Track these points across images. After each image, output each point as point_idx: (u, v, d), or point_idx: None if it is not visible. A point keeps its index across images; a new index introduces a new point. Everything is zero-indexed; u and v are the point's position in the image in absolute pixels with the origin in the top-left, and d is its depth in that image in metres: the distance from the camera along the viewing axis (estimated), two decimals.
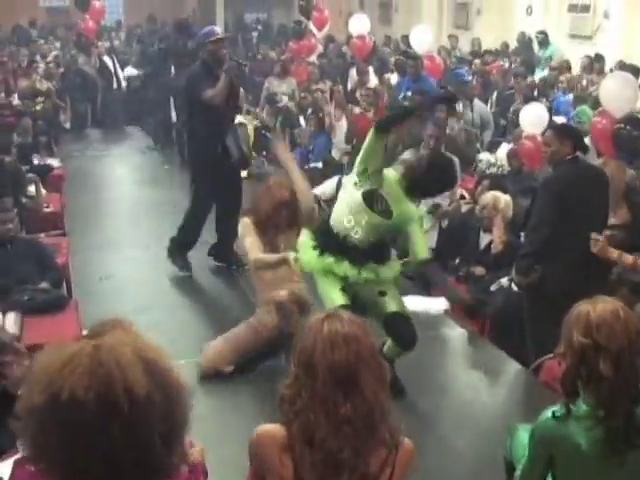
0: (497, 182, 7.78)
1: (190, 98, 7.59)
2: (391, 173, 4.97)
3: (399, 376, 4.93)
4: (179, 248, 7.56)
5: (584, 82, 11.60)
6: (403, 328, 4.93)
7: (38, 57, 15.66)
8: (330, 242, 4.90)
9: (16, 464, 1.77)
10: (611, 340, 2.74)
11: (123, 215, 9.83)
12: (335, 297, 4.78)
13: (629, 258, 5.25)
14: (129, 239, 8.82)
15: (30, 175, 8.94)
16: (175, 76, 12.31)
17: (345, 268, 4.82)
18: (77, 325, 5.73)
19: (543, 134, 7.99)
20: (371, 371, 2.45)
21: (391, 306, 4.92)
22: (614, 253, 5.23)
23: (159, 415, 1.56)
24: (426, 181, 4.88)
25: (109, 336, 1.64)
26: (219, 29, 7.70)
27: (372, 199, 4.80)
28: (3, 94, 12.76)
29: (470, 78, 11.54)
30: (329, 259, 4.85)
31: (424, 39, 11.51)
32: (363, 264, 4.85)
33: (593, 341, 2.75)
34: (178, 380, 1.64)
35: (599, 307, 2.81)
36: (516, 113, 10.32)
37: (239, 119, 7.84)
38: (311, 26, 14.21)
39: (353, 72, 13.38)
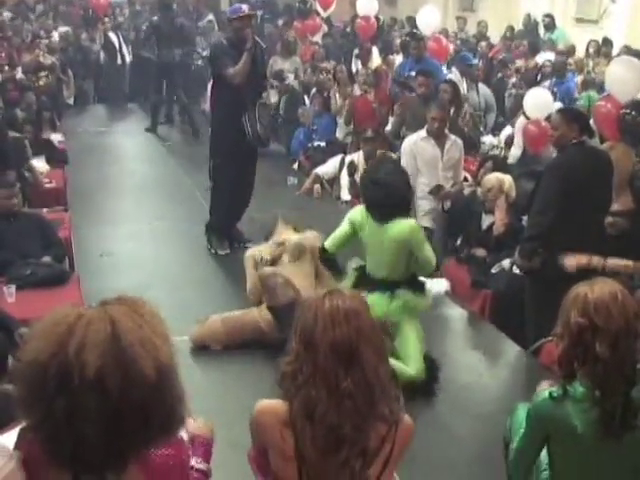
0: (500, 164, 7.78)
1: (213, 73, 7.73)
2: (359, 215, 5.13)
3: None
4: (212, 228, 7.62)
5: (590, 65, 11.56)
6: None
7: (42, 32, 15.58)
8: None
9: (21, 433, 1.78)
10: (608, 321, 2.76)
11: (125, 192, 9.82)
12: None
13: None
14: (131, 215, 8.82)
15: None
16: (159, 55, 12.66)
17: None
18: (79, 300, 5.74)
19: (547, 118, 8.01)
20: (371, 346, 2.47)
21: None
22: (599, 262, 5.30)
23: (110, 398, 1.57)
24: (378, 200, 4.96)
25: (102, 308, 1.66)
26: (245, 6, 7.58)
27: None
28: (7, 68, 12.71)
29: (476, 61, 11.56)
30: None
31: (431, 20, 11.44)
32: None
33: (590, 322, 2.77)
34: (155, 370, 1.63)
35: (597, 288, 2.83)
36: (512, 97, 10.35)
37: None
38: (317, 5, 14.14)
39: (356, 52, 13.36)
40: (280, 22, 16.78)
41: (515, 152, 9.17)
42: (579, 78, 11.12)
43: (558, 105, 8.91)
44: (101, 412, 1.57)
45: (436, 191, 7.13)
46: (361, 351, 2.44)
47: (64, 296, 5.78)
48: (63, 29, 16.25)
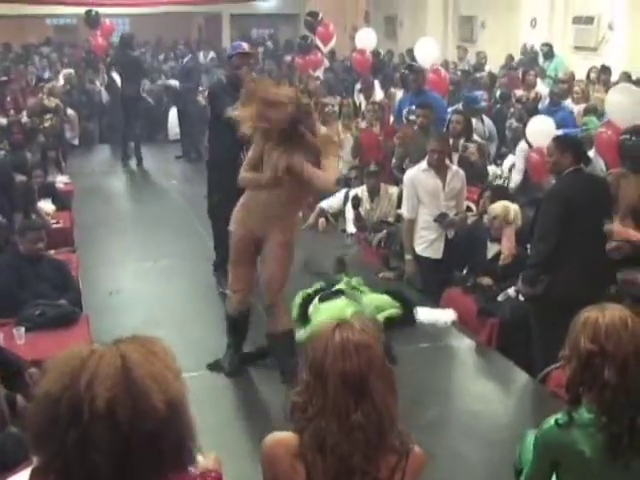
0: (499, 192, 7.82)
1: (211, 111, 7.66)
2: None
3: (409, 386, 4.97)
4: (219, 267, 7.42)
5: (591, 92, 11.64)
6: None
7: (47, 74, 15.78)
8: None
9: (33, 474, 1.80)
10: (618, 347, 2.77)
11: (131, 230, 9.89)
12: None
13: None
14: (137, 254, 8.87)
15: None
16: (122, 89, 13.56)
17: None
18: (88, 339, 5.77)
19: None
20: (381, 378, 2.48)
21: None
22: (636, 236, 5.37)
23: (120, 431, 1.58)
24: None
25: (113, 345, 1.69)
26: (245, 44, 7.60)
27: None
28: (12, 112, 12.86)
29: (484, 104, 11.62)
30: None
31: (429, 52, 11.54)
32: None
33: (600, 347, 2.78)
34: (165, 404, 1.64)
35: (608, 314, 2.83)
36: (512, 130, 10.41)
37: None
38: (317, 41, 14.29)
39: (358, 87, 13.47)
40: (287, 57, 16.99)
41: (516, 177, 9.22)
42: (581, 106, 11.17)
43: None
44: (112, 444, 1.60)
45: (441, 219, 7.15)
46: (371, 383, 2.45)
47: (73, 336, 5.81)
48: (67, 71, 16.46)
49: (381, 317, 6.25)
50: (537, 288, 5.50)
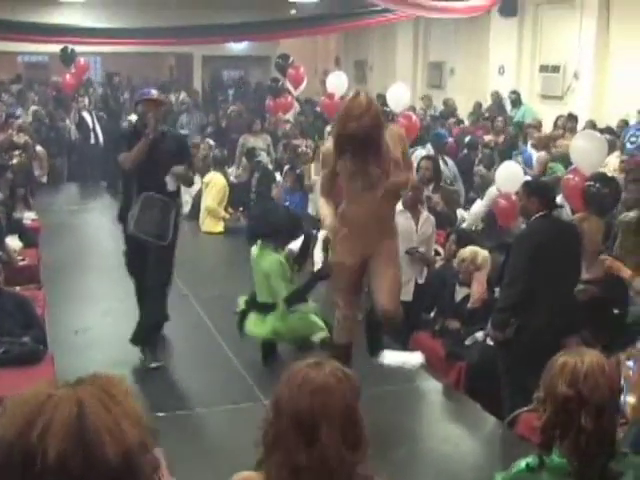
0: (464, 236, 7.88)
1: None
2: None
3: (376, 428, 4.95)
4: (145, 336, 6.79)
5: (558, 141, 11.82)
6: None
7: (19, 111, 15.75)
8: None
9: None
10: (595, 393, 2.76)
11: (98, 269, 9.80)
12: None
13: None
14: (105, 292, 8.80)
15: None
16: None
17: None
18: (53, 379, 5.69)
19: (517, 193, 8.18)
20: (337, 429, 2.38)
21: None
22: (626, 272, 5.42)
23: None
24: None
25: (72, 388, 1.63)
26: (155, 91, 7.15)
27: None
28: None
29: (450, 139, 11.84)
30: None
31: (401, 97, 11.68)
32: None
33: (577, 392, 2.77)
34: (122, 454, 1.56)
35: (587, 359, 2.82)
36: (480, 175, 10.54)
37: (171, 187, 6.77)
38: (287, 84, 14.41)
39: (328, 129, 13.55)
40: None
41: (474, 209, 9.31)
42: (540, 153, 11.35)
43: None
44: None
45: (412, 251, 7.15)
46: (323, 430, 2.36)
47: (38, 374, 5.73)
48: (34, 107, 16.44)
49: (316, 338, 6.40)
50: (507, 332, 5.53)
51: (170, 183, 6.64)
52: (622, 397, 4.75)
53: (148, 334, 6.71)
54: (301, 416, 2.38)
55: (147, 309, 6.78)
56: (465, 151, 12.33)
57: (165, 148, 6.54)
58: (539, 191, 5.94)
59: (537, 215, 5.67)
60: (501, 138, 12.68)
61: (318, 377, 2.44)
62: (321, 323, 6.48)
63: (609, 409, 2.80)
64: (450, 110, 16.27)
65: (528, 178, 8.62)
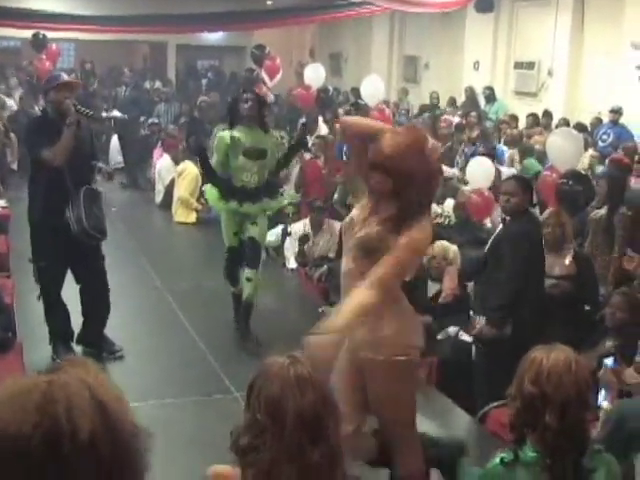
0: (438, 232, 7.88)
1: (30, 157, 6.57)
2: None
3: None
4: (55, 338, 6.44)
5: (531, 139, 11.89)
6: (252, 250, 6.70)
7: None
8: (231, 191, 6.63)
9: None
10: (558, 391, 2.77)
11: None
12: (229, 237, 6.82)
13: None
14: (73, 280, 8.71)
15: None
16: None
17: (235, 205, 6.62)
18: (21, 367, 5.65)
19: (491, 188, 8.20)
20: (334, 416, 2.45)
21: (251, 232, 6.67)
22: None
23: (104, 461, 1.52)
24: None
25: (65, 373, 1.63)
26: (64, 74, 6.55)
27: (251, 153, 6.54)
28: None
29: None
30: (230, 203, 6.62)
31: (375, 90, 11.67)
32: (254, 201, 6.64)
33: (541, 390, 2.79)
34: (133, 425, 1.60)
35: (553, 356, 2.83)
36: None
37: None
38: (263, 74, 14.34)
39: (302, 121, 13.51)
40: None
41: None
42: (513, 150, 11.42)
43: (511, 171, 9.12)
44: (96, 471, 1.56)
45: None
46: (326, 420, 2.41)
47: (6, 364, 5.67)
48: (19, 93, 16.25)
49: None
50: (505, 330, 5.55)
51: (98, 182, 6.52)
52: (599, 397, 4.81)
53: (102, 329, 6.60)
54: (307, 413, 2.39)
55: (102, 307, 6.58)
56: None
57: (82, 135, 6.15)
58: (531, 186, 6.01)
59: (524, 210, 5.73)
60: (474, 133, 12.70)
61: (308, 372, 2.46)
62: None
63: (575, 407, 2.79)
64: (434, 103, 16.33)
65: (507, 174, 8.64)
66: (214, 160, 6.79)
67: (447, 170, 11.11)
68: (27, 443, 1.49)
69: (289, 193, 10.64)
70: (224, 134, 6.64)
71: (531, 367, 2.85)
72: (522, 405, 2.84)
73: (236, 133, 6.59)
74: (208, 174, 6.98)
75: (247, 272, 6.77)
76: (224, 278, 7.00)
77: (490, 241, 5.98)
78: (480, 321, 5.69)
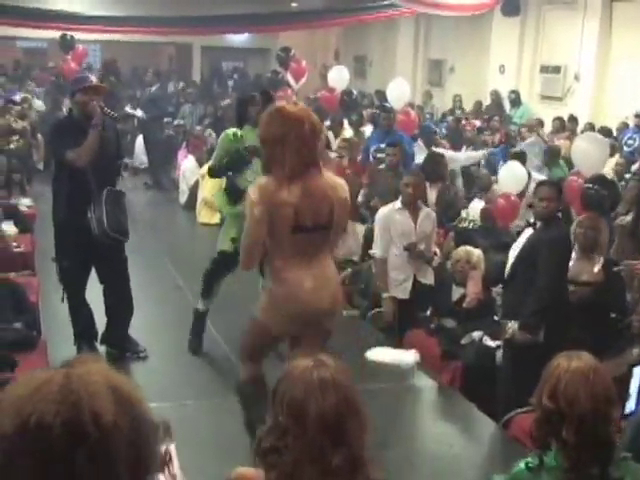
0: (463, 235, 7.86)
1: (54, 158, 6.61)
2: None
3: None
4: (79, 338, 6.49)
5: (557, 141, 11.82)
6: None
7: (17, 96, 15.68)
8: (239, 195, 6.11)
9: None
10: (574, 406, 2.73)
11: None
12: (225, 242, 6.48)
13: None
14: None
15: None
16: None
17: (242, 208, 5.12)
18: (46, 365, 5.67)
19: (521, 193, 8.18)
20: (357, 419, 2.43)
21: None
22: None
23: (126, 443, 1.55)
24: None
25: (80, 366, 1.66)
26: (93, 77, 6.65)
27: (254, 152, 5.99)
28: None
29: (435, 129, 11.89)
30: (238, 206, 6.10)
31: (401, 93, 11.65)
32: None
33: (557, 406, 2.74)
34: (147, 412, 1.64)
35: (572, 366, 2.79)
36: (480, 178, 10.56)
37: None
38: (288, 76, 14.36)
39: (327, 123, 13.53)
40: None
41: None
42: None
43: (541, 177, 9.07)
44: (126, 454, 1.58)
45: (411, 247, 7.09)
46: (348, 425, 2.40)
47: (31, 362, 5.70)
48: (22, 95, 16.38)
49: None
50: (539, 335, 5.53)
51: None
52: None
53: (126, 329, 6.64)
54: (329, 415, 2.38)
55: (125, 308, 6.61)
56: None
57: (108, 137, 6.19)
58: (561, 193, 5.99)
59: (556, 215, 5.73)
60: (497, 137, 12.67)
61: (332, 375, 2.44)
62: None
63: (592, 421, 2.74)
64: (457, 106, 16.32)
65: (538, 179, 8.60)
66: (215, 154, 6.69)
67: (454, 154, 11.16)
68: (49, 432, 1.52)
69: None
70: (229, 131, 6.58)
71: (550, 379, 2.80)
72: (541, 418, 2.82)
73: (241, 131, 6.51)
74: (227, 178, 6.74)
75: (264, 281, 6.59)
76: (202, 284, 6.78)
77: (521, 246, 5.91)
78: (512, 326, 5.64)
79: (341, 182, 4.32)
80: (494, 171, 10.76)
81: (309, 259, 4.18)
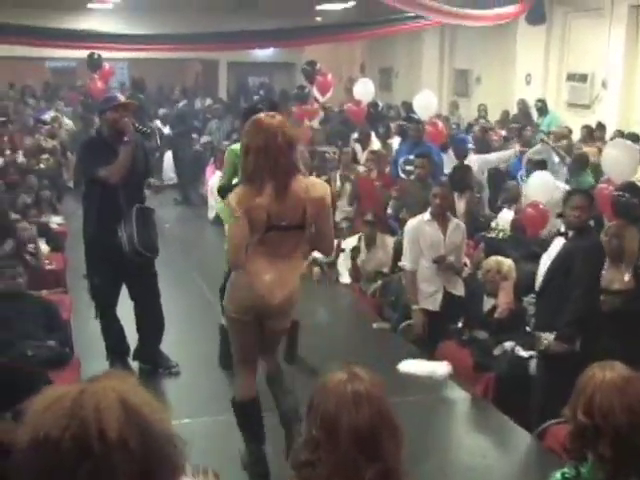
0: (493, 246, 7.82)
1: (84, 175, 6.61)
2: None
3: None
4: (111, 354, 6.54)
5: (584, 149, 11.72)
6: None
7: (47, 116, 15.86)
8: None
9: None
10: (609, 419, 2.67)
11: None
12: None
13: None
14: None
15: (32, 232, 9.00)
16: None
17: None
18: (78, 383, 5.70)
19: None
20: (392, 433, 2.41)
21: None
22: None
23: (133, 459, 1.57)
24: None
25: (99, 383, 1.68)
26: (121, 95, 6.71)
27: None
28: (9, 152, 12.88)
29: (469, 142, 11.88)
30: None
31: (428, 105, 11.65)
32: None
33: (592, 421, 2.69)
34: (165, 431, 1.65)
35: (606, 378, 2.74)
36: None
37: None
38: (314, 90, 14.40)
39: (354, 136, 13.55)
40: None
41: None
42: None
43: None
44: (130, 469, 1.59)
45: (441, 260, 7.09)
46: (382, 438, 2.37)
47: (64, 380, 5.73)
48: (52, 114, 16.54)
49: None
50: (576, 345, 5.50)
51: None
52: None
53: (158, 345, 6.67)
54: (362, 429, 2.36)
55: (157, 324, 6.65)
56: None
57: (138, 154, 6.26)
58: (593, 202, 5.96)
59: (587, 226, 5.69)
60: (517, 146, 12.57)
61: (366, 388, 2.42)
62: None
63: (629, 434, 2.68)
64: (481, 115, 16.28)
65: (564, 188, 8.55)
66: (223, 172, 6.55)
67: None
68: (57, 446, 1.55)
69: (343, 208, 10.68)
70: (234, 147, 6.26)
71: (583, 392, 2.75)
72: (576, 431, 2.77)
73: None
74: None
75: None
76: (220, 300, 6.77)
77: (554, 257, 5.88)
78: (547, 336, 5.60)
79: (318, 184, 4.66)
80: (513, 177, 10.76)
81: (277, 257, 4.49)
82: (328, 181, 11.13)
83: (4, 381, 3.50)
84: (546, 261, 6.16)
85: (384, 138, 13.10)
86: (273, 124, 4.39)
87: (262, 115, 4.51)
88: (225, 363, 6.60)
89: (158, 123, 16.14)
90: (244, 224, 4.35)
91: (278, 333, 4.85)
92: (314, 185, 4.56)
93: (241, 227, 4.37)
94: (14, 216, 8.91)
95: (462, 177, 9.36)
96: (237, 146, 6.31)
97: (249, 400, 4.83)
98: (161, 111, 18.20)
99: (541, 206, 8.23)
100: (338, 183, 10.90)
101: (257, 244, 4.44)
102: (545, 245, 6.88)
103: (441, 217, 7.17)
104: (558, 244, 6.06)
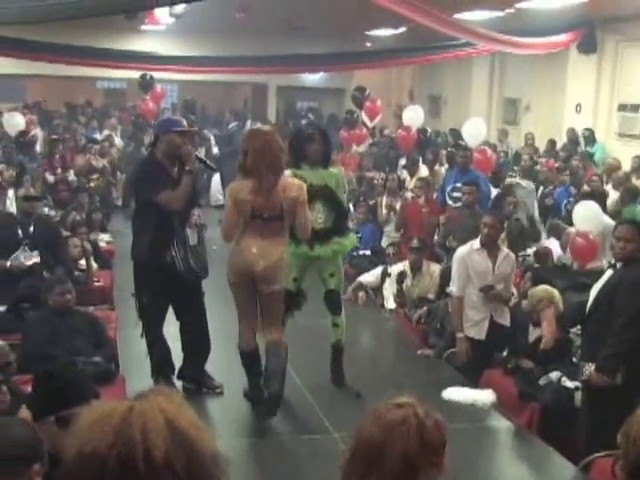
0: (540, 275, 7.75)
1: (137, 197, 6.58)
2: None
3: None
4: (156, 373, 6.51)
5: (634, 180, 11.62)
6: (333, 301, 6.66)
7: (98, 135, 16.09)
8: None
9: None
10: None
11: None
12: (286, 281, 6.16)
13: None
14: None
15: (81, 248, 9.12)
16: None
17: (305, 248, 6.38)
18: (123, 399, 5.74)
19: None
20: (433, 465, 2.37)
21: (330, 285, 6.61)
22: None
23: (177, 479, 1.58)
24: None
25: (147, 400, 1.69)
26: (184, 121, 6.76)
27: (315, 191, 6.29)
28: (60, 170, 13.09)
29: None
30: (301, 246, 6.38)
31: (477, 132, 11.63)
32: (324, 242, 6.46)
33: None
34: (210, 451, 1.66)
35: None
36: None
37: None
38: (363, 116, 14.46)
39: (402, 162, 13.57)
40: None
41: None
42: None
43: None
44: None
45: (487, 289, 7.05)
46: (423, 470, 2.34)
47: (109, 396, 5.77)
48: (106, 132, 16.75)
49: None
50: (617, 377, 5.42)
51: (192, 236, 6.50)
52: None
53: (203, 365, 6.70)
54: (406, 459, 2.34)
55: (203, 344, 6.69)
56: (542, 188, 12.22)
57: (195, 183, 6.42)
58: None
59: (637, 257, 5.59)
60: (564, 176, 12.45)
61: (415, 417, 2.39)
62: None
63: None
64: (528, 144, 16.19)
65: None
66: None
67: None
68: (103, 463, 1.57)
69: (389, 234, 10.68)
70: (287, 171, 6.10)
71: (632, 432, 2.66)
72: (629, 468, 2.69)
73: (299, 172, 6.30)
74: None
75: (333, 318, 6.70)
76: None
77: (600, 287, 5.81)
78: (589, 367, 5.54)
79: (293, 185, 5.76)
80: (558, 209, 10.68)
81: (263, 237, 5.71)
82: (375, 206, 11.17)
83: (54, 388, 3.56)
84: (595, 292, 6.09)
85: (432, 165, 13.08)
86: (268, 132, 5.87)
87: (259, 126, 5.39)
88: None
89: (215, 150, 16.24)
90: (233, 211, 5.67)
91: (268, 296, 5.88)
92: (291, 186, 5.73)
93: (232, 213, 5.70)
94: (65, 233, 9.00)
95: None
96: (291, 171, 6.24)
97: (249, 351, 6.14)
98: (214, 131, 18.41)
99: (591, 236, 8.15)
100: (384, 210, 10.91)
101: (246, 226, 5.69)
102: (595, 276, 6.81)
103: (491, 246, 7.14)
104: (608, 275, 5.99)
